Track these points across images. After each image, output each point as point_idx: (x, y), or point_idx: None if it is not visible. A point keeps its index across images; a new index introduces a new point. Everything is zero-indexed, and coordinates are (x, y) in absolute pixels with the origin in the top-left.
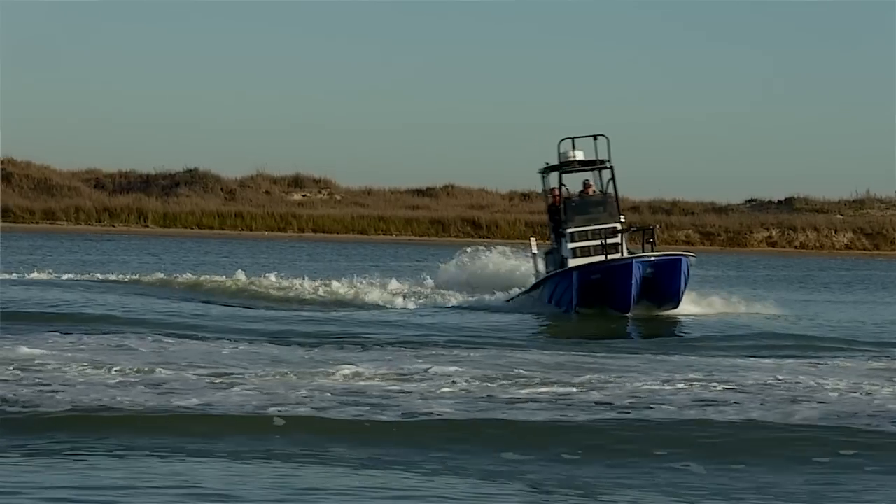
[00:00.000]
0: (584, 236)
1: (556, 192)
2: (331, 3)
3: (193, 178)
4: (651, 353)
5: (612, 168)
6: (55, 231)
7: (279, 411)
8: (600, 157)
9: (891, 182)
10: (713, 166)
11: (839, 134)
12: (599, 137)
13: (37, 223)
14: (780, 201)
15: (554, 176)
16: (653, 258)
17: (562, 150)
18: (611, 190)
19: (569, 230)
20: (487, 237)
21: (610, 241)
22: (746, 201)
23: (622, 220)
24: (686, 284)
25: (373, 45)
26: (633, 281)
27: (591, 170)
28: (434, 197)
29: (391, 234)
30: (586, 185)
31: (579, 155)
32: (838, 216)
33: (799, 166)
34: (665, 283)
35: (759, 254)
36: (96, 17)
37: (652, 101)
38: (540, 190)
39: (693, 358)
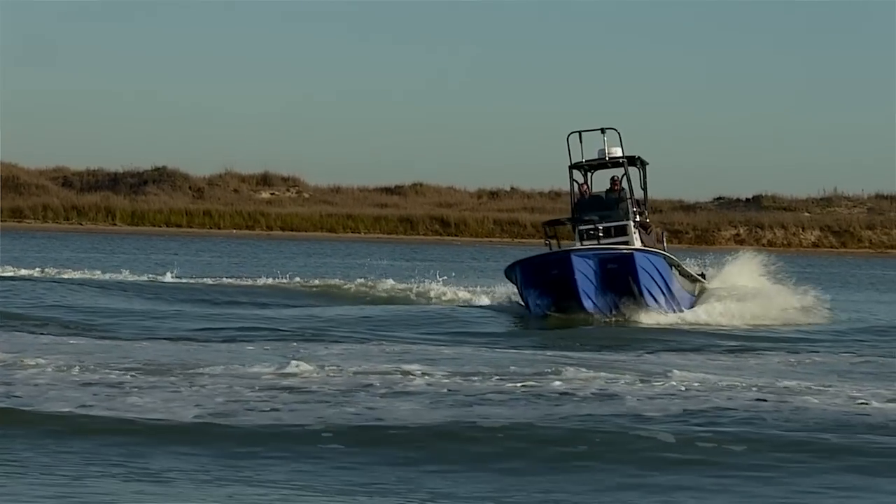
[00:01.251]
0: (592, 235)
1: (585, 188)
2: (297, 1)
3: (161, 177)
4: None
5: (632, 163)
6: (22, 229)
7: None
8: (628, 154)
9: (858, 180)
10: (681, 164)
11: (807, 132)
12: (608, 131)
13: (4, 221)
14: (747, 199)
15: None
16: (598, 251)
17: (598, 147)
18: (637, 187)
19: (578, 228)
20: (456, 235)
21: (618, 239)
22: (714, 199)
23: (638, 219)
24: (662, 284)
25: (341, 44)
26: (579, 274)
27: (612, 167)
28: (402, 195)
29: (360, 233)
30: (614, 181)
31: (616, 151)
32: (806, 214)
33: (766, 164)
34: (622, 280)
35: (727, 251)
36: (60, 16)
37: (618, 100)
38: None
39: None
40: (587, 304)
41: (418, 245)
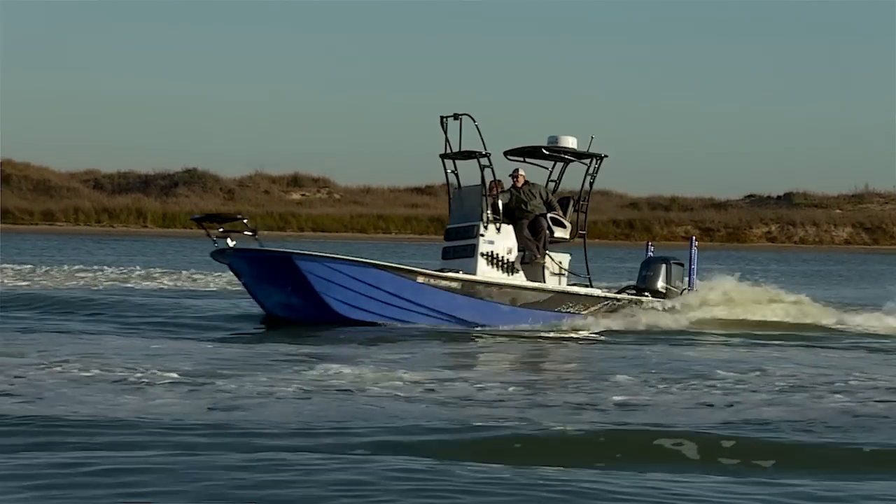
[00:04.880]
0: (455, 234)
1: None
2: (326, 1)
3: (192, 178)
4: None
5: (533, 154)
6: (53, 232)
7: None
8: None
9: (889, 176)
10: (712, 162)
11: (838, 129)
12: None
13: (36, 224)
14: (779, 196)
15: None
16: (245, 252)
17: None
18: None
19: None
20: None
21: (467, 241)
22: (745, 197)
23: (497, 220)
24: (364, 290)
25: (372, 42)
26: (242, 277)
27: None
28: (433, 195)
29: (391, 233)
30: (515, 175)
31: (572, 142)
32: (837, 211)
33: (798, 161)
34: (285, 282)
35: (759, 249)
36: (93, 18)
37: (649, 97)
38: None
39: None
40: (266, 306)
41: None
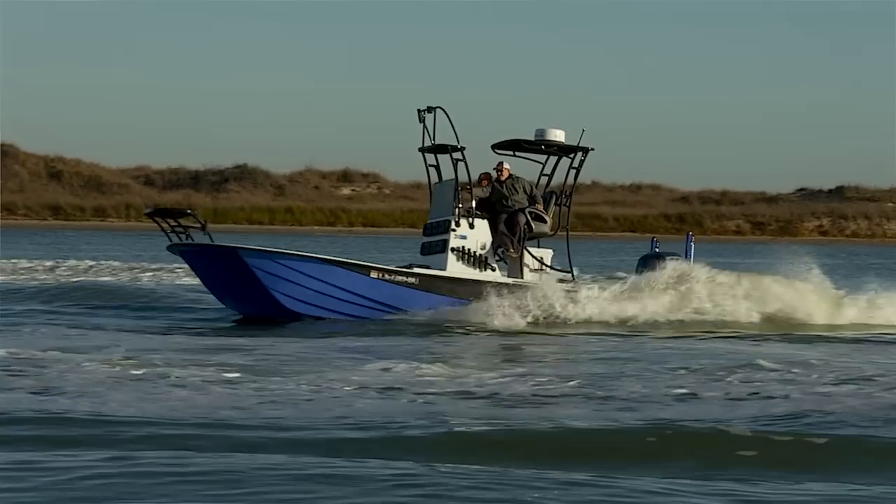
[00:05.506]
0: (431, 230)
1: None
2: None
3: (243, 174)
4: None
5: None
6: (105, 228)
7: None
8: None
9: None
10: (763, 155)
11: (890, 122)
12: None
13: (88, 220)
14: (830, 190)
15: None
16: (195, 247)
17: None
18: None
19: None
20: None
21: (440, 237)
22: (797, 190)
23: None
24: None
25: (416, 38)
26: (195, 271)
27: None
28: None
29: None
30: (499, 168)
31: (559, 135)
32: (889, 204)
33: (849, 155)
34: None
35: (811, 243)
36: (143, 16)
37: (700, 91)
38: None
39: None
40: (223, 301)
41: None
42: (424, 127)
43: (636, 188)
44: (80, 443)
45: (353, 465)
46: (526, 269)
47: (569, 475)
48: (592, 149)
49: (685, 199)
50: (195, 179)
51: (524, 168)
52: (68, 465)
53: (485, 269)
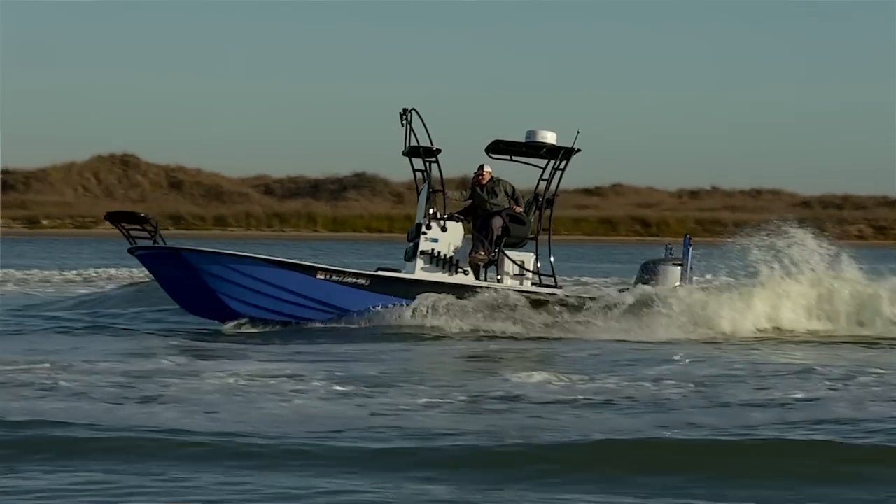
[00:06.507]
0: (411, 235)
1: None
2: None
3: (361, 182)
4: None
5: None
6: (227, 237)
7: None
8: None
9: None
10: (886, 159)
11: None
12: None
13: (208, 229)
14: None
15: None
16: (145, 250)
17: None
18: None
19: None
20: (656, 235)
21: (415, 241)
22: None
23: (445, 218)
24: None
25: (540, 42)
26: (151, 272)
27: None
28: (602, 196)
29: (560, 234)
30: (480, 172)
31: (550, 137)
32: None
33: None
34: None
35: None
36: (263, 24)
37: (825, 95)
38: None
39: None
40: (178, 303)
41: (619, 245)
42: (409, 129)
43: (756, 193)
44: None
45: None
46: (505, 275)
47: None
48: (579, 150)
49: (806, 203)
50: (314, 188)
51: (528, 172)
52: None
53: (455, 273)
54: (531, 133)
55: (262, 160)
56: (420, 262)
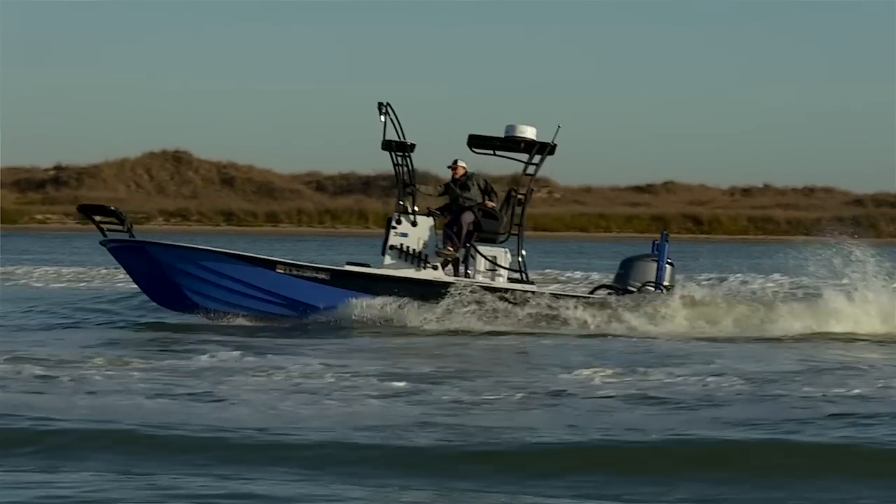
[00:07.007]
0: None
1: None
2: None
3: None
4: None
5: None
6: (277, 234)
7: None
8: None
9: None
10: None
11: None
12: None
13: (260, 226)
14: None
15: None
16: (114, 243)
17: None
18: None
19: None
20: (709, 234)
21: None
22: None
23: (429, 212)
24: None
25: (595, 41)
26: (121, 264)
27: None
28: (654, 194)
29: (611, 232)
30: (453, 166)
31: (528, 132)
32: None
33: None
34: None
35: None
36: (312, 21)
37: (875, 90)
38: None
39: None
40: (147, 294)
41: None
42: (388, 122)
43: (809, 191)
44: None
45: None
46: (477, 270)
47: None
48: (555, 144)
49: (859, 201)
50: (366, 184)
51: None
52: None
53: (424, 267)
54: (510, 127)
55: (314, 157)
56: (388, 257)
